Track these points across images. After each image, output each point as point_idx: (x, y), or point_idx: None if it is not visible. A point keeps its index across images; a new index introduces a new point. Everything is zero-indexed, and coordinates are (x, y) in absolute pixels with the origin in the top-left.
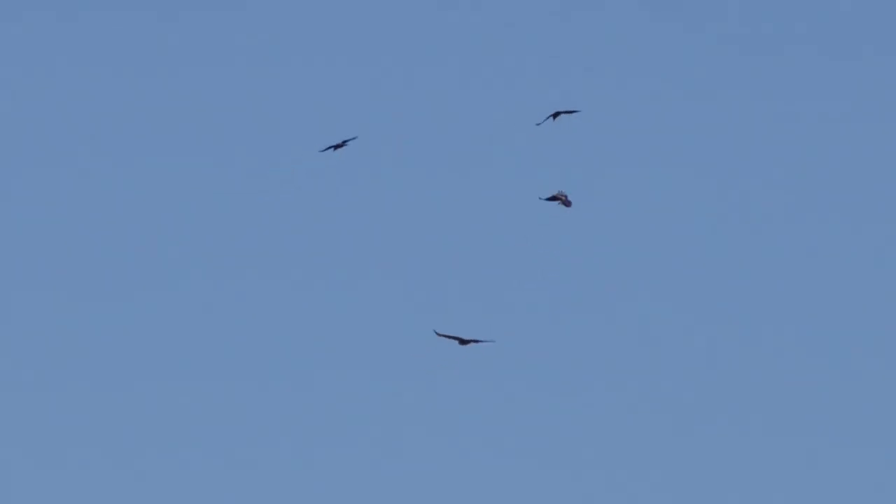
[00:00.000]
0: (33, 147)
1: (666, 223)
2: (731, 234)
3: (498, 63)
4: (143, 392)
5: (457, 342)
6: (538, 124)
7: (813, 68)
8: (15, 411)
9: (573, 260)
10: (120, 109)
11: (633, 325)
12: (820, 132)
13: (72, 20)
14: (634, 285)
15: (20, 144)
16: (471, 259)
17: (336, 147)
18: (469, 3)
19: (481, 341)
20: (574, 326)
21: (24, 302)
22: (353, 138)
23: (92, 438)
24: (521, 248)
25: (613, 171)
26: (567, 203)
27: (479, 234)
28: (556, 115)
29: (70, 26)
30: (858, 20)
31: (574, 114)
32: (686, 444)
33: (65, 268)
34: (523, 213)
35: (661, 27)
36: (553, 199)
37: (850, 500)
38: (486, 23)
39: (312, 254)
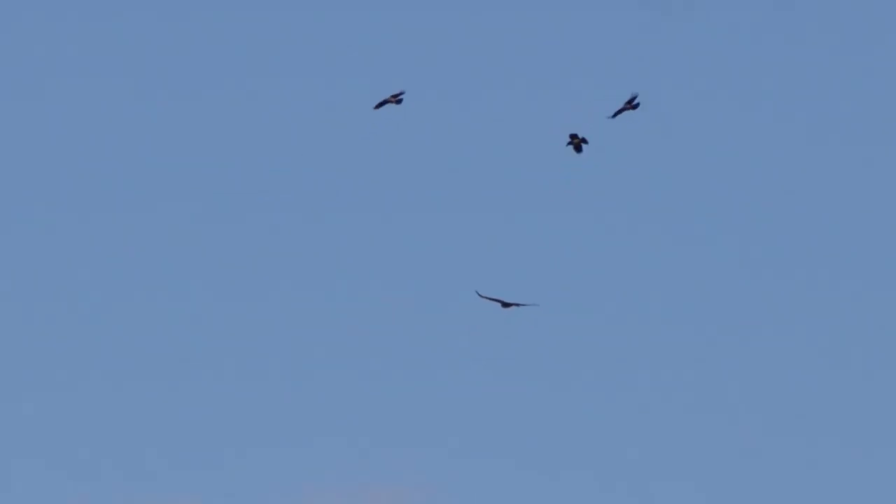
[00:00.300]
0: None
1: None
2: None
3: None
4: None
5: (499, 304)
6: (612, 117)
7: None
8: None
9: (616, 227)
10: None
11: (683, 296)
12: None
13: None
14: (684, 256)
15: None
16: (516, 223)
17: (387, 102)
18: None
19: (523, 304)
20: (617, 295)
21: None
22: (403, 93)
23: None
24: (567, 213)
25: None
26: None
27: (525, 198)
28: (631, 102)
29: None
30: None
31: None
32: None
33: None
34: (567, 179)
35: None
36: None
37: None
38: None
39: (351, 217)
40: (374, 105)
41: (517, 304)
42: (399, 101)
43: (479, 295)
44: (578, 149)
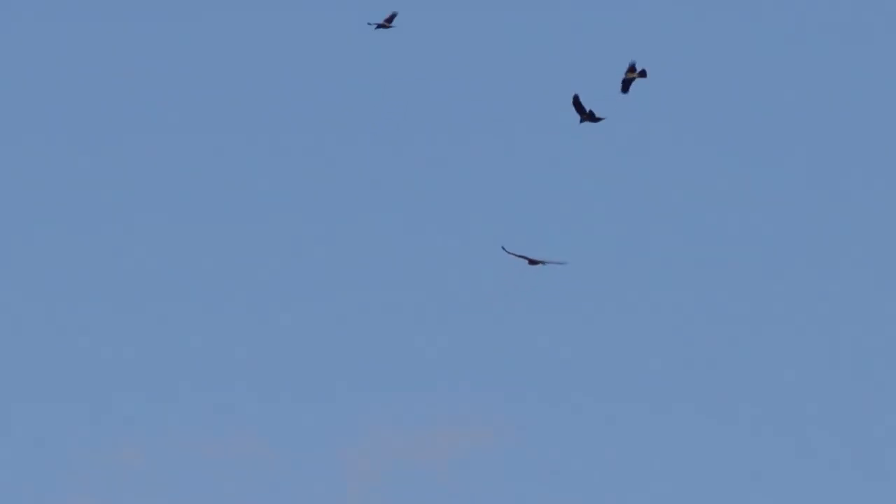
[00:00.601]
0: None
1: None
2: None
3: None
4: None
5: (525, 261)
6: (624, 91)
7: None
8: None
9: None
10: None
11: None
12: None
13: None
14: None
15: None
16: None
17: (381, 26)
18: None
19: (551, 262)
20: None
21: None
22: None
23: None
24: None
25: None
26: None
27: (552, 154)
28: (634, 70)
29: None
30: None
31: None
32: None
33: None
34: (592, 136)
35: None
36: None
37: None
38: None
39: (384, 177)
40: (375, 25)
41: (544, 262)
42: (390, 24)
43: (505, 251)
44: (593, 118)
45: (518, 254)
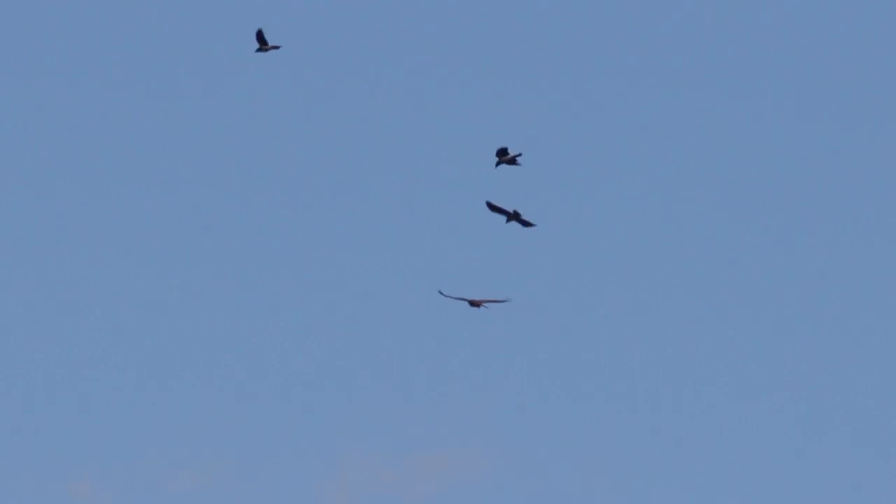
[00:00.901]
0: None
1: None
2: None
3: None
4: None
5: (466, 303)
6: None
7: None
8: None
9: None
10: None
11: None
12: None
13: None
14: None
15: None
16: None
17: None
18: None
19: (494, 301)
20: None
21: None
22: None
23: None
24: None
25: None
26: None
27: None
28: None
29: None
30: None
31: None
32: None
33: None
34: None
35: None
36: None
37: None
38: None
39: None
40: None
41: (487, 302)
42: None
43: (442, 294)
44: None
45: (457, 296)
